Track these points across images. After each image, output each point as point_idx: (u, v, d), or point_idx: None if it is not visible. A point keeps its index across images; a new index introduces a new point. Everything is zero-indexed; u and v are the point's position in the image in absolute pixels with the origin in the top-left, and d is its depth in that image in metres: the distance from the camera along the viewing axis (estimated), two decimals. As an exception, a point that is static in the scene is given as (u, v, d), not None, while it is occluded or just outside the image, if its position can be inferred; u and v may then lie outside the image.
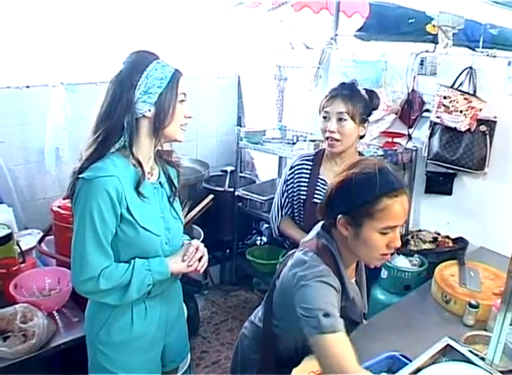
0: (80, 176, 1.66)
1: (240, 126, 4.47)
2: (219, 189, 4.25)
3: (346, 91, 2.34)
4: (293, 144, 4.03)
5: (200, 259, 1.92)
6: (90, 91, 3.34)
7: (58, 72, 3.43)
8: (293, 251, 1.78)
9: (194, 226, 3.73)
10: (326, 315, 1.41)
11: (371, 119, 3.47)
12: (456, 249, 3.04)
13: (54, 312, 2.38)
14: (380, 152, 3.34)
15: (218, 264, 4.49)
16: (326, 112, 2.33)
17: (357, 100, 2.33)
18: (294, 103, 4.31)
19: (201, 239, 3.49)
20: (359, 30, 3.85)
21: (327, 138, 2.35)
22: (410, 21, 3.48)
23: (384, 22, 3.70)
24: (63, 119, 3.38)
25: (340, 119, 2.30)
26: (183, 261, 1.88)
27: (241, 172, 4.44)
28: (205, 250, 1.96)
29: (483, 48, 3.09)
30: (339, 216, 1.57)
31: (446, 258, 2.77)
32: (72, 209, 1.75)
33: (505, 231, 2.97)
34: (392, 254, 1.62)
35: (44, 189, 3.56)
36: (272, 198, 3.89)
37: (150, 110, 1.71)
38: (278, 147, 4.04)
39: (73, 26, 3.43)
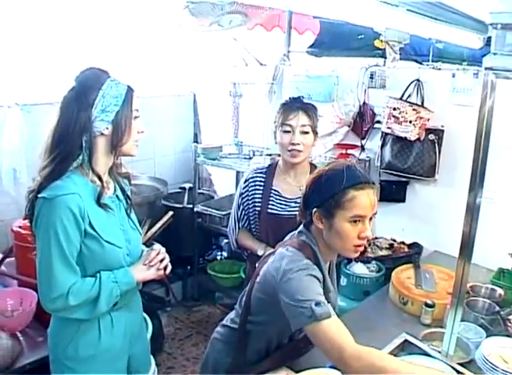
0: (40, 195, 1.66)
1: (197, 142, 4.51)
2: (178, 206, 4.26)
3: (304, 105, 2.44)
4: (250, 158, 4.09)
5: (161, 261, 1.94)
6: (46, 111, 3.25)
7: (13, 93, 3.40)
8: (271, 250, 1.88)
9: (155, 243, 3.73)
10: (318, 304, 1.54)
11: (325, 131, 3.59)
12: (411, 254, 3.13)
13: (17, 332, 2.36)
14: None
15: (180, 280, 4.48)
16: (290, 125, 2.38)
17: (314, 112, 2.44)
18: (250, 119, 4.39)
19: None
20: (311, 47, 3.96)
21: (289, 150, 2.40)
22: (359, 37, 3.60)
23: (334, 38, 3.82)
24: (19, 140, 3.35)
25: (304, 132, 2.38)
26: (148, 268, 1.90)
27: (199, 188, 4.48)
28: (166, 253, 1.98)
29: (431, 61, 3.25)
30: (314, 210, 1.71)
31: (402, 263, 2.87)
32: (32, 229, 1.75)
33: (456, 234, 3.07)
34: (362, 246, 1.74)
35: (0, 211, 3.50)
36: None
37: (107, 128, 1.73)
38: (235, 162, 4.10)
39: (27, 46, 3.41)
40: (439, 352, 1.81)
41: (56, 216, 1.64)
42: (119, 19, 3.71)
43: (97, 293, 1.73)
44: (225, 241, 4.66)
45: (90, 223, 1.71)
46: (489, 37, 1.68)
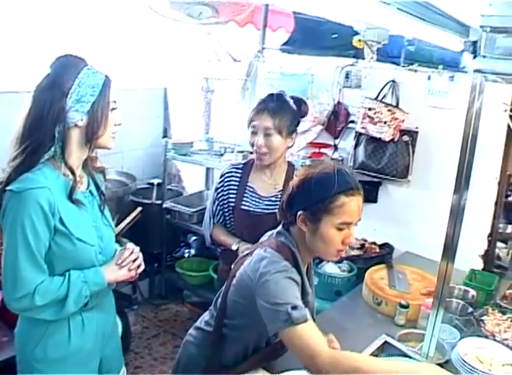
0: (8, 188, 1.59)
1: (166, 137, 4.45)
2: (147, 202, 4.19)
3: (274, 104, 2.34)
4: (221, 155, 4.06)
5: (134, 261, 1.88)
6: (17, 100, 3.16)
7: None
8: (247, 251, 1.82)
9: (123, 239, 3.65)
10: (294, 308, 1.50)
11: (299, 130, 3.55)
12: (382, 254, 3.14)
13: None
14: (308, 162, 3.41)
15: (147, 278, 4.41)
16: (253, 126, 2.33)
17: (285, 113, 2.33)
18: (221, 115, 4.34)
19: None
20: (284, 44, 3.94)
21: (256, 152, 2.37)
22: (333, 36, 3.59)
23: (308, 36, 3.80)
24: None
25: (267, 134, 2.30)
26: (120, 268, 1.84)
27: (168, 184, 4.41)
28: (140, 253, 1.93)
29: (403, 63, 3.26)
30: (300, 213, 1.65)
31: (374, 263, 2.89)
32: (-1, 224, 1.68)
33: (428, 236, 3.11)
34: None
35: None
36: (200, 210, 3.93)
37: (82, 119, 1.67)
38: (205, 158, 4.06)
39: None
40: (419, 354, 1.81)
41: (24, 211, 1.57)
42: (92, 7, 3.62)
43: (66, 293, 1.66)
44: (194, 238, 4.61)
45: (60, 219, 1.64)
46: (469, 41, 1.69)
